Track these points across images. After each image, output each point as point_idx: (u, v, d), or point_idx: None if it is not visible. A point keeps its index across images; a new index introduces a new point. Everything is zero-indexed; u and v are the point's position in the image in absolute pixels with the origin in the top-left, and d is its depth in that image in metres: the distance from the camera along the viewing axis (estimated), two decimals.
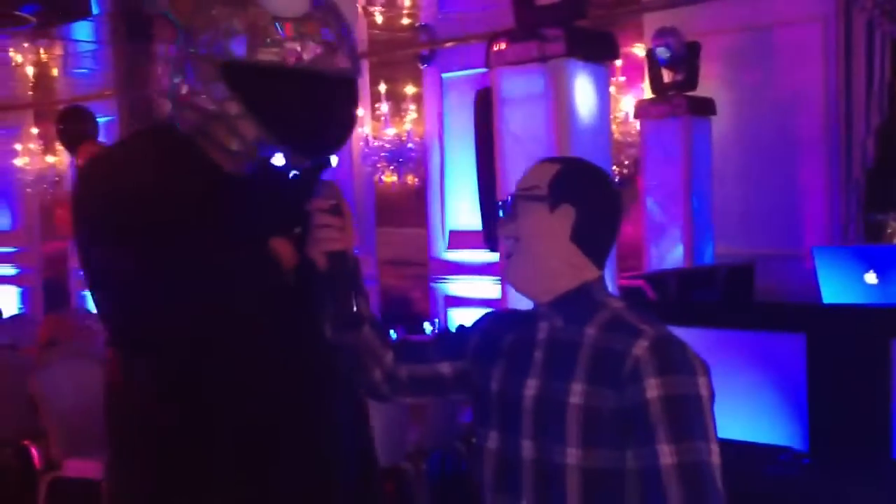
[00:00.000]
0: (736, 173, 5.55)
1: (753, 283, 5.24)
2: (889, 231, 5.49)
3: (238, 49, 1.42)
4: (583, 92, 3.44)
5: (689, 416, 1.46)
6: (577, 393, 1.49)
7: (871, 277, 3.48)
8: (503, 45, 3.49)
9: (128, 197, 1.47)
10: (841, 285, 3.59)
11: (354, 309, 1.69)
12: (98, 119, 7.45)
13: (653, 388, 1.45)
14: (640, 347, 1.47)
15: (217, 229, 1.51)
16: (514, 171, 3.55)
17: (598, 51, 3.55)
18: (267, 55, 1.42)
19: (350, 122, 1.57)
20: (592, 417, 1.48)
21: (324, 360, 1.67)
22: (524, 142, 3.54)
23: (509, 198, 1.60)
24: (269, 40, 1.42)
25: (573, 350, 1.52)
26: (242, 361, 1.52)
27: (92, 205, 1.51)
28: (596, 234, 1.57)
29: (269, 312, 1.56)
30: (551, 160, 1.65)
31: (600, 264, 1.59)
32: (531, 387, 1.54)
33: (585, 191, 1.56)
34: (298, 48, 1.43)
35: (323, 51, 1.45)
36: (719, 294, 4.88)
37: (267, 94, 1.44)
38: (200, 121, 1.48)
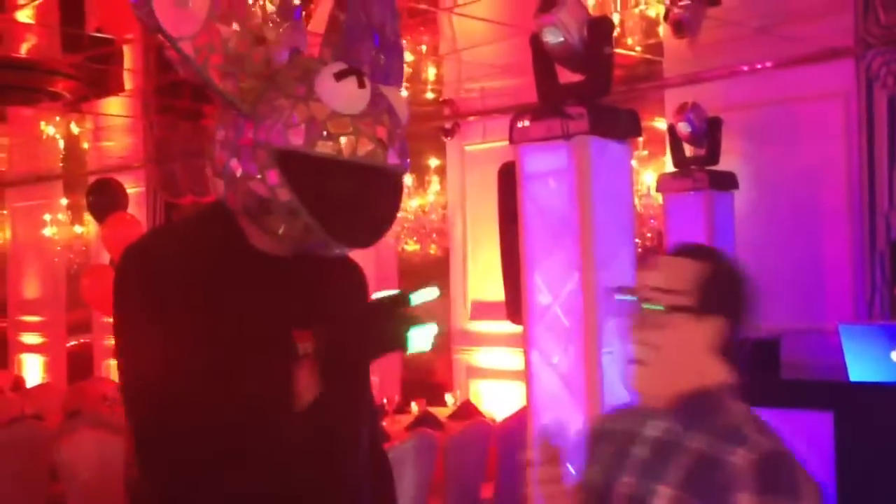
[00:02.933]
0: (759, 247, 5.53)
1: (779, 358, 5.20)
2: None
3: (296, 139, 1.47)
4: (606, 168, 3.47)
5: None
6: (663, 496, 1.41)
7: None
8: (527, 122, 3.53)
9: (179, 275, 1.51)
10: (868, 363, 3.56)
11: None
12: (127, 190, 7.58)
13: None
14: (744, 458, 1.36)
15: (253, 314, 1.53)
16: (537, 244, 3.57)
17: (621, 128, 3.59)
18: (323, 148, 1.47)
19: (392, 215, 1.60)
20: None
21: (346, 458, 1.67)
22: (548, 216, 3.56)
23: (642, 298, 1.47)
24: (325, 133, 1.47)
25: (674, 452, 1.43)
26: (258, 458, 1.52)
27: (141, 276, 1.53)
28: (739, 342, 1.48)
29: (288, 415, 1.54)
30: (694, 255, 1.50)
31: (734, 366, 1.49)
32: (625, 484, 1.47)
33: (738, 298, 1.47)
34: (353, 143, 1.48)
35: (375, 147, 1.49)
36: (745, 369, 4.83)
37: (318, 185, 1.49)
38: (251, 203, 1.53)
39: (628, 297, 1.50)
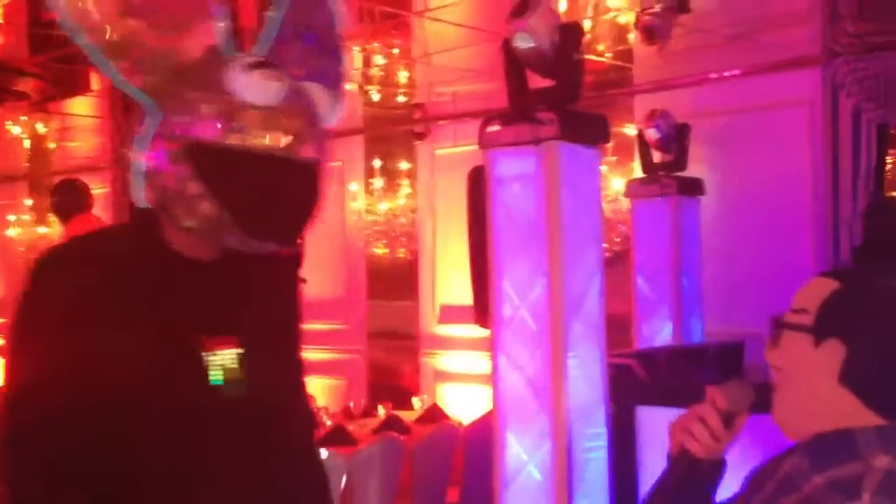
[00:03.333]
0: (724, 252, 5.59)
1: (743, 362, 5.25)
2: None
3: (206, 132, 1.46)
4: (575, 174, 3.49)
5: None
6: None
7: None
8: (497, 127, 3.54)
9: (84, 281, 1.49)
10: None
11: None
12: (93, 191, 7.48)
13: None
14: None
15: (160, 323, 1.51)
16: (505, 248, 3.58)
17: (591, 134, 3.60)
18: (233, 139, 1.45)
19: (308, 209, 1.56)
20: None
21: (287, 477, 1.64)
22: (516, 221, 3.57)
23: (776, 319, 1.37)
24: (236, 125, 1.46)
25: (791, 490, 1.30)
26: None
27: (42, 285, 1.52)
28: (879, 377, 1.29)
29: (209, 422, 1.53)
30: (833, 273, 1.37)
31: (881, 408, 1.29)
32: None
33: (865, 322, 1.29)
34: (264, 135, 1.46)
35: (288, 140, 1.48)
36: (710, 373, 4.87)
37: (229, 177, 1.47)
38: (164, 199, 1.51)
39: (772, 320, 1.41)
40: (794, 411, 1.34)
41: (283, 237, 1.56)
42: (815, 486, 1.26)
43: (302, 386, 1.81)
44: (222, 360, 1.53)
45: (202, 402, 1.52)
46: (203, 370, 1.52)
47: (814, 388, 1.31)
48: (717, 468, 1.44)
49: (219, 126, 1.45)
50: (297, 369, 1.78)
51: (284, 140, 1.47)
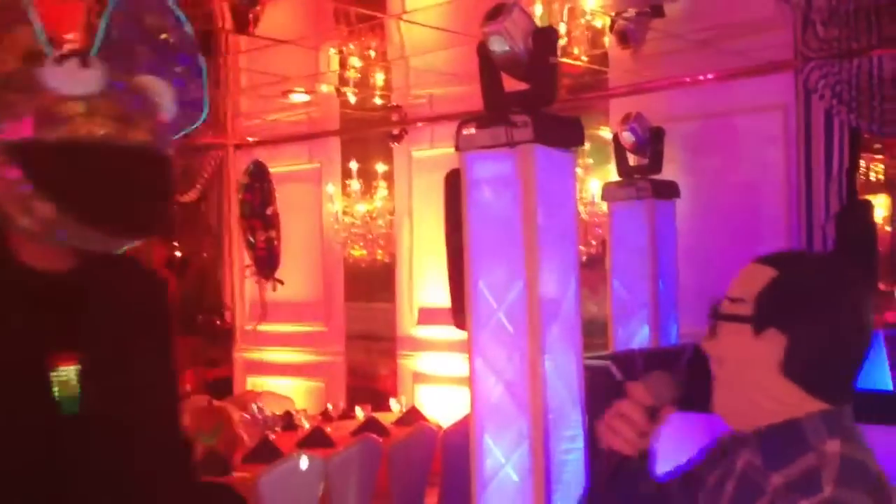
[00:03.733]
0: (699, 255, 5.64)
1: None
2: None
3: (26, 130, 1.43)
4: (550, 176, 3.51)
5: None
6: None
7: None
8: (472, 130, 3.56)
9: None
10: None
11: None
12: None
13: None
14: None
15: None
16: (482, 251, 3.60)
17: (566, 137, 3.63)
18: (55, 133, 1.42)
19: (153, 196, 1.52)
20: None
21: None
22: (492, 223, 3.59)
23: (713, 309, 1.34)
24: (55, 118, 1.43)
25: (754, 496, 1.28)
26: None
27: None
28: (817, 363, 1.27)
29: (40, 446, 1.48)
30: (768, 260, 1.33)
31: (824, 395, 1.29)
32: None
33: (804, 310, 1.27)
34: (87, 125, 1.43)
35: (114, 126, 1.45)
36: (685, 374, 4.91)
37: (57, 172, 1.44)
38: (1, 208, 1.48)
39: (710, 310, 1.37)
40: (737, 403, 1.31)
41: (130, 228, 1.51)
42: (776, 489, 1.24)
43: (170, 407, 1.74)
44: (65, 377, 1.49)
45: (49, 421, 1.48)
46: (47, 387, 1.48)
47: (755, 379, 1.28)
48: (644, 458, 1.43)
49: (37, 122, 1.42)
50: (163, 390, 1.71)
51: (108, 128, 1.44)
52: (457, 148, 3.64)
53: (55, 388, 1.48)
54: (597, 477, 1.44)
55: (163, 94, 1.55)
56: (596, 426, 1.41)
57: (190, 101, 1.69)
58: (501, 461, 3.56)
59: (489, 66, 3.58)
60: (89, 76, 1.45)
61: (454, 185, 3.85)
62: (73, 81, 1.44)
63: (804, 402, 1.28)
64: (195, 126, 1.78)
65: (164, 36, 1.69)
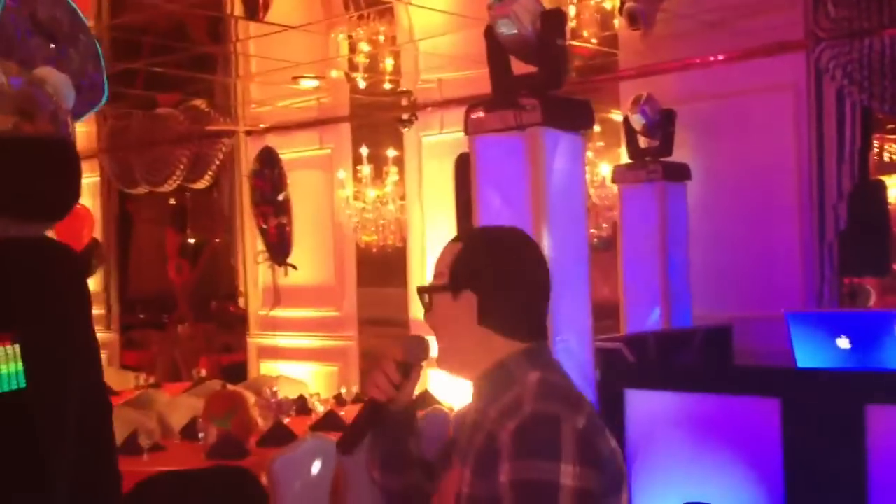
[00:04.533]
0: (711, 237, 5.63)
1: (731, 346, 5.29)
2: (865, 294, 5.57)
3: None
4: (559, 159, 3.51)
5: None
6: (466, 482, 1.46)
7: (843, 342, 3.53)
8: (481, 114, 3.56)
9: None
10: (814, 350, 3.64)
11: (401, 454, 1.65)
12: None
13: (504, 474, 1.35)
14: (507, 430, 1.38)
15: None
16: None
17: (574, 119, 3.62)
18: None
19: (60, 181, 1.57)
20: None
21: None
22: (501, 207, 3.59)
23: (420, 288, 1.59)
24: None
25: (476, 434, 1.49)
26: None
27: None
28: (506, 311, 1.52)
29: None
30: (458, 238, 1.61)
31: (525, 336, 1.53)
32: (456, 470, 1.54)
33: (484, 271, 1.52)
34: None
35: (16, 120, 1.49)
36: (698, 356, 4.92)
37: None
38: None
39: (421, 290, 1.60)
40: (456, 358, 1.55)
41: (39, 213, 1.56)
42: (492, 420, 1.44)
43: (97, 379, 1.76)
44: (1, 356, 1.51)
45: None
46: None
47: (463, 334, 1.53)
48: (405, 415, 1.66)
49: None
50: (91, 363, 1.72)
51: (7, 124, 1.48)
52: (465, 131, 3.65)
53: None
54: (355, 420, 1.60)
55: (62, 84, 1.60)
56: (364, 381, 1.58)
57: (89, 85, 1.73)
58: None
59: (497, 50, 3.58)
60: None
61: (464, 169, 3.87)
62: None
63: (505, 345, 1.51)
64: (97, 108, 1.84)
65: (57, 24, 1.75)
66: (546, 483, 1.30)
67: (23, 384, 1.51)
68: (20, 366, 1.52)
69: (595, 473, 1.33)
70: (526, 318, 1.54)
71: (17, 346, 1.53)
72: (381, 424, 1.61)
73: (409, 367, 1.61)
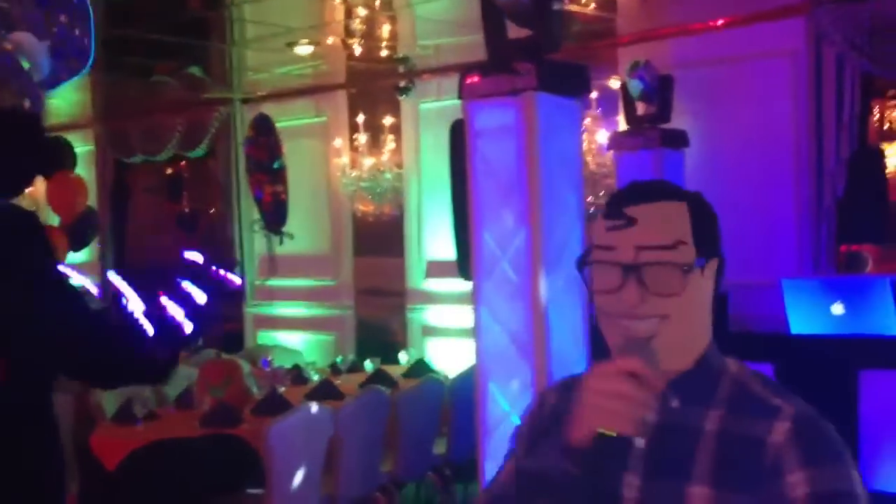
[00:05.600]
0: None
1: (727, 312, 5.28)
2: (862, 261, 5.55)
3: None
4: (554, 124, 3.47)
5: None
6: (700, 498, 1.15)
7: (837, 308, 3.52)
8: (476, 79, 3.52)
9: None
10: (809, 316, 3.63)
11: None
12: (76, 149, 7.42)
13: (799, 486, 1.12)
14: (780, 432, 1.15)
15: None
16: (486, 200, 3.57)
17: (570, 84, 3.58)
18: None
19: (23, 155, 1.55)
20: None
21: None
22: (496, 173, 3.56)
23: (638, 262, 1.19)
24: None
25: (691, 440, 1.19)
26: None
27: None
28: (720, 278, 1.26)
29: None
30: (670, 194, 1.24)
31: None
32: (632, 486, 1.20)
33: (719, 231, 1.26)
34: None
35: None
36: None
37: None
38: None
39: (606, 266, 1.20)
40: (687, 347, 1.22)
41: (21, 186, 1.58)
42: (715, 420, 1.18)
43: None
44: None
45: None
46: None
47: (705, 314, 1.23)
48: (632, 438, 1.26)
49: None
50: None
51: None
52: (460, 97, 3.60)
53: None
54: (567, 460, 1.16)
55: (36, 52, 1.56)
56: (583, 415, 1.15)
57: (76, 51, 1.70)
58: (506, 410, 3.58)
59: (493, 13, 3.53)
60: None
61: (459, 136, 3.82)
62: None
63: (710, 331, 1.26)
64: (80, 74, 1.80)
65: None
66: (847, 493, 1.12)
67: None
68: None
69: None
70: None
71: None
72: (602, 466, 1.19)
73: (646, 378, 1.16)
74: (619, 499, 1.20)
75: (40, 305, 1.68)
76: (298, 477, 4.23)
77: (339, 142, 7.52)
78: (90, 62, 1.79)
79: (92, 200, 8.56)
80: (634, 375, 1.14)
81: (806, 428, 1.15)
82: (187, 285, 1.70)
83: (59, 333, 1.68)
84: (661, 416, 1.20)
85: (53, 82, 1.65)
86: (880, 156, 5.65)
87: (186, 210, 10.79)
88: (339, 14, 7.25)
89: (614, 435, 1.12)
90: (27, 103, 1.53)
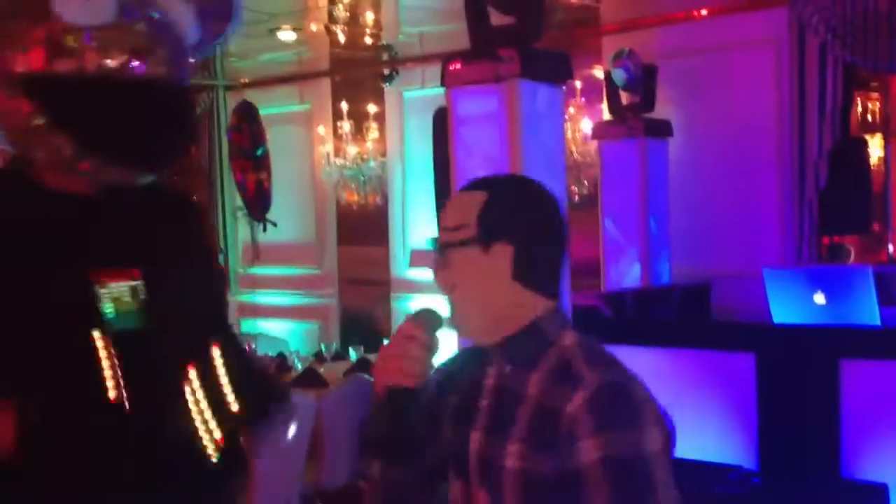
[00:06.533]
0: (692, 194, 5.61)
1: (710, 303, 5.30)
2: (845, 252, 5.58)
3: (35, 62, 1.39)
4: (537, 111, 3.47)
5: (633, 480, 1.25)
6: (513, 455, 1.33)
7: (819, 298, 3.53)
8: (458, 66, 3.50)
9: None
10: (790, 306, 3.64)
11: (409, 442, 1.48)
12: None
13: (589, 451, 1.25)
14: (575, 403, 1.28)
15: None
16: None
17: (553, 71, 3.57)
18: (64, 66, 1.39)
19: (169, 129, 1.49)
20: (531, 484, 1.30)
21: None
22: (479, 161, 3.55)
23: (435, 242, 1.44)
24: (67, 49, 1.39)
25: (515, 403, 1.36)
26: None
27: None
28: (542, 265, 1.40)
29: None
30: (476, 186, 1.45)
31: (553, 293, 1.42)
32: (475, 440, 1.40)
33: (521, 220, 1.39)
34: (100, 56, 1.39)
35: (125, 58, 1.41)
36: (675, 313, 4.92)
37: (67, 104, 1.41)
38: (15, 139, 1.46)
39: (433, 246, 1.45)
40: (479, 320, 1.40)
41: (147, 162, 1.50)
42: (536, 387, 1.34)
43: (219, 307, 1.77)
44: (116, 293, 1.49)
45: (91, 336, 1.45)
46: (94, 302, 1.46)
47: (493, 291, 1.38)
48: (418, 389, 1.45)
49: (47, 54, 1.38)
50: (210, 297, 1.72)
51: (120, 58, 1.40)
52: (443, 84, 3.59)
53: (108, 304, 1.47)
54: (377, 416, 1.43)
55: (184, 17, 1.50)
56: (376, 371, 1.43)
57: (220, 11, 1.63)
58: None
59: (475, 0, 3.52)
60: (100, 5, 1.40)
61: (442, 124, 3.81)
62: (83, 11, 1.39)
63: (536, 301, 1.39)
64: (223, 39, 1.72)
65: None
66: (636, 454, 1.25)
67: (132, 325, 1.49)
68: (132, 305, 1.50)
69: (666, 431, 1.31)
70: (555, 273, 1.42)
71: (138, 283, 1.51)
72: (405, 409, 1.42)
73: (434, 344, 1.43)
74: (467, 453, 1.40)
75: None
76: (282, 465, 4.22)
77: (322, 129, 7.49)
78: (235, 25, 1.72)
79: None
80: (411, 336, 1.41)
81: (602, 396, 1.27)
82: None
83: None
84: (497, 379, 1.41)
85: (200, 49, 1.60)
86: (864, 146, 5.66)
87: None
88: (323, 0, 7.22)
89: (400, 388, 1.38)
90: (176, 73, 1.47)
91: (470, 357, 1.52)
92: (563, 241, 1.44)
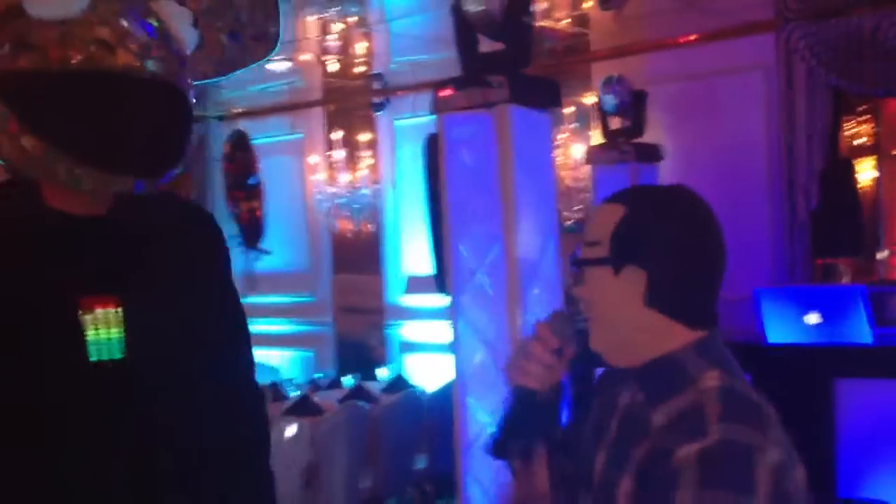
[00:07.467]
0: None
1: None
2: (838, 273, 5.59)
3: (2, 61, 1.30)
4: (527, 137, 3.49)
5: None
6: (624, 490, 1.26)
7: (813, 317, 3.55)
8: (449, 92, 3.53)
9: None
10: (784, 325, 3.66)
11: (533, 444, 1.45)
12: None
13: (683, 503, 1.16)
14: (687, 453, 1.18)
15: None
16: (461, 213, 3.58)
17: (542, 97, 3.61)
18: (28, 62, 1.28)
19: (160, 131, 1.35)
20: None
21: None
22: (470, 184, 3.57)
23: (575, 254, 1.37)
24: (28, 46, 1.28)
25: (639, 434, 1.28)
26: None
27: None
28: (679, 292, 1.28)
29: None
30: (618, 198, 1.34)
31: (697, 322, 1.30)
32: (599, 461, 1.35)
33: (656, 243, 1.27)
34: (63, 50, 1.28)
35: (94, 50, 1.28)
36: None
37: (36, 104, 1.30)
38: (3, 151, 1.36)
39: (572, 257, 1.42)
40: (612, 341, 1.33)
41: (130, 167, 1.35)
42: (658, 429, 1.25)
43: (232, 351, 1.67)
44: (101, 320, 1.39)
45: (78, 364, 1.37)
46: (78, 330, 1.37)
47: (624, 315, 1.29)
48: (556, 391, 1.43)
49: (12, 49, 1.28)
50: (222, 334, 1.61)
51: (89, 50, 1.28)
52: (434, 110, 3.62)
53: (90, 332, 1.38)
54: (509, 414, 1.41)
55: (177, 16, 1.40)
56: (507, 370, 1.42)
57: (257, 35, 1.54)
58: (484, 422, 3.57)
59: (464, 27, 3.55)
60: None
61: (433, 150, 3.83)
62: (50, 4, 1.28)
63: (676, 333, 1.29)
64: (263, 61, 1.65)
65: None
66: None
67: (115, 355, 1.39)
68: (116, 333, 1.39)
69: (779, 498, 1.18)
70: (701, 301, 1.30)
71: (119, 311, 1.40)
72: (534, 410, 1.40)
73: (563, 348, 1.40)
74: (592, 471, 1.35)
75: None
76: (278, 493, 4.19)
77: (315, 158, 7.52)
78: (274, 49, 1.67)
79: None
80: (538, 337, 1.39)
81: (717, 455, 1.17)
82: None
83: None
84: (631, 400, 1.33)
85: (234, 65, 1.54)
86: (850, 167, 5.69)
87: None
88: (315, 30, 7.27)
89: (526, 388, 1.39)
90: (155, 67, 1.33)
91: (610, 376, 1.46)
92: (712, 263, 1.31)
